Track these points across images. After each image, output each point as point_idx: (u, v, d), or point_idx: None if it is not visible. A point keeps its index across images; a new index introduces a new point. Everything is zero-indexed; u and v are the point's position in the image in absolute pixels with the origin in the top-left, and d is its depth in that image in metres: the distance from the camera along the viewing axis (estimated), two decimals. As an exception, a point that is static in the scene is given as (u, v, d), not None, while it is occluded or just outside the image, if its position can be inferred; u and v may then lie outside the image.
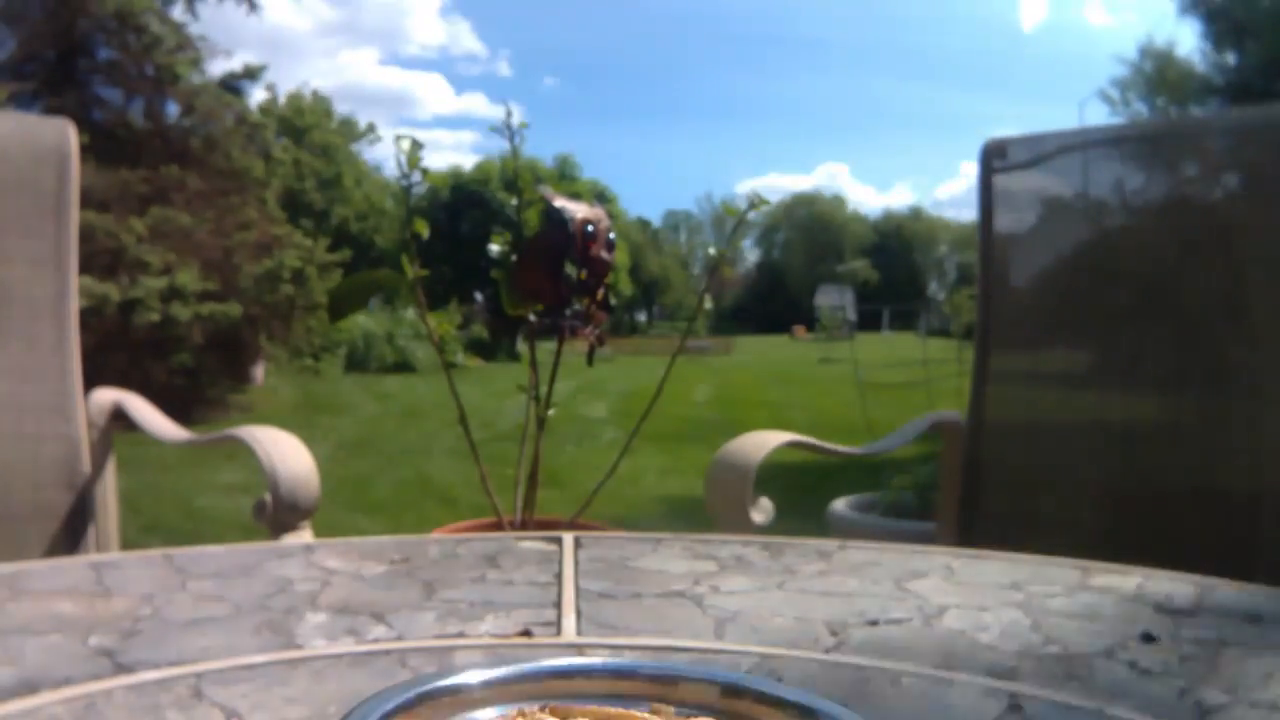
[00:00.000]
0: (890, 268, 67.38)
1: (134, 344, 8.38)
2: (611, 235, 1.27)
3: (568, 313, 1.27)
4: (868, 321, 41.51)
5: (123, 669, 0.61)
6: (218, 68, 11.24)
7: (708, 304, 1.47)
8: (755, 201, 1.40)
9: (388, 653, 0.66)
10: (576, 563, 0.90)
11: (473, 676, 0.47)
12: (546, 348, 1.37)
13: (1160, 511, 1.51)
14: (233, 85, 11.47)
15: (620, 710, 0.45)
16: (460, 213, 33.17)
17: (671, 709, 0.46)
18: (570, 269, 1.25)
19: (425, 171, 1.31)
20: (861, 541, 1.00)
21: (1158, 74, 13.56)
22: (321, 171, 26.93)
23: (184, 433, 1.57)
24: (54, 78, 9.97)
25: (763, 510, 1.44)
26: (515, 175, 1.37)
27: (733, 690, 0.48)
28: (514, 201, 1.34)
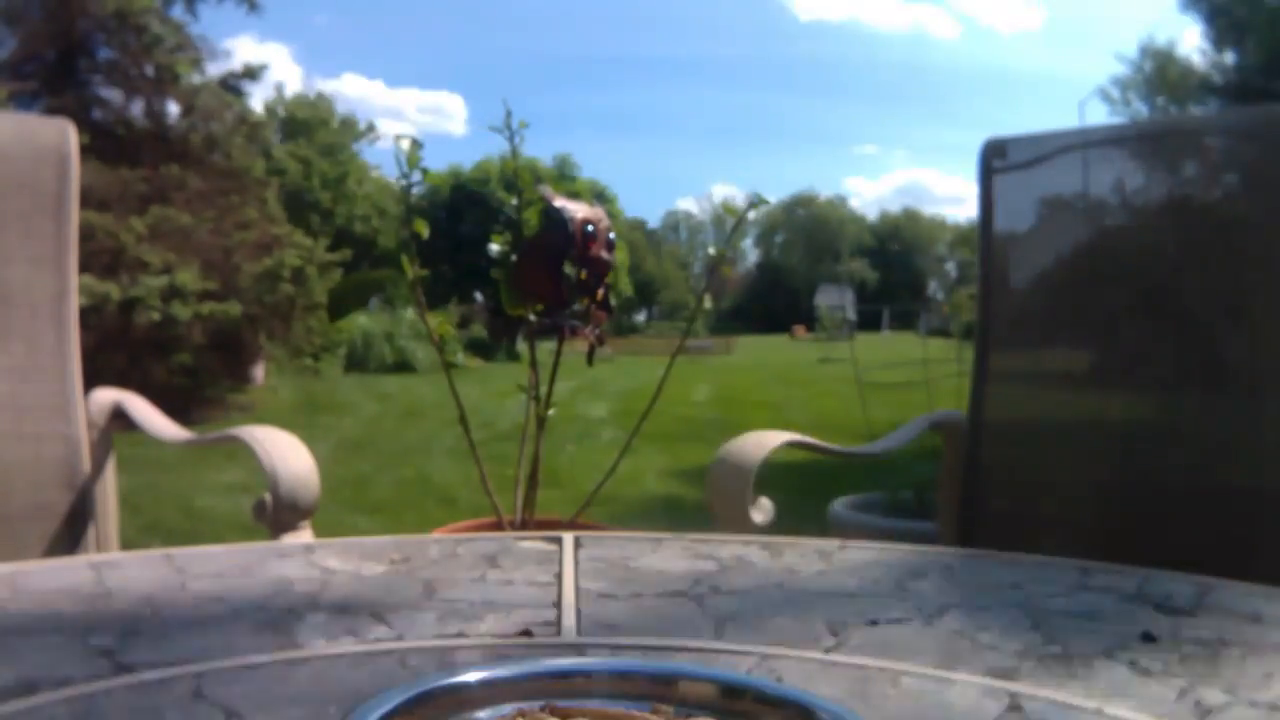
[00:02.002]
0: (890, 268, 67.44)
1: (134, 344, 8.37)
2: (611, 235, 1.27)
3: (567, 313, 1.27)
4: (868, 321, 41.52)
5: (123, 669, 0.61)
6: (218, 67, 11.22)
7: (707, 304, 1.47)
8: (756, 201, 1.40)
9: (388, 653, 0.66)
10: (576, 563, 0.90)
11: (473, 676, 0.47)
12: (546, 348, 1.37)
13: (1160, 511, 1.51)
14: (233, 85, 11.47)
15: (620, 710, 0.45)
16: (460, 213, 33.17)
17: (671, 709, 0.46)
18: (570, 269, 1.25)
19: (425, 171, 1.31)
20: (861, 541, 1.00)
21: (1158, 73, 13.56)
22: (327, 172, 26.96)
23: (184, 433, 1.57)
24: (54, 78, 9.96)
25: (763, 510, 1.44)
26: (515, 175, 1.37)
27: (733, 690, 0.48)
28: (514, 201, 1.34)
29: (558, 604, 0.77)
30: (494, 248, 1.31)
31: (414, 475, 6.13)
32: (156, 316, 8.49)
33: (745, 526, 1.41)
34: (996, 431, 1.66)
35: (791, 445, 1.56)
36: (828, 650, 0.68)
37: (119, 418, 1.55)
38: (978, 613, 0.77)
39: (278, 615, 0.73)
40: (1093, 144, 1.69)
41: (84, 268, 1.56)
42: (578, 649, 0.68)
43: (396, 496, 5.53)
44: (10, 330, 1.45)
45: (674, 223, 74.56)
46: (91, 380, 1.54)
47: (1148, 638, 0.71)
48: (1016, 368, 1.72)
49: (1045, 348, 1.74)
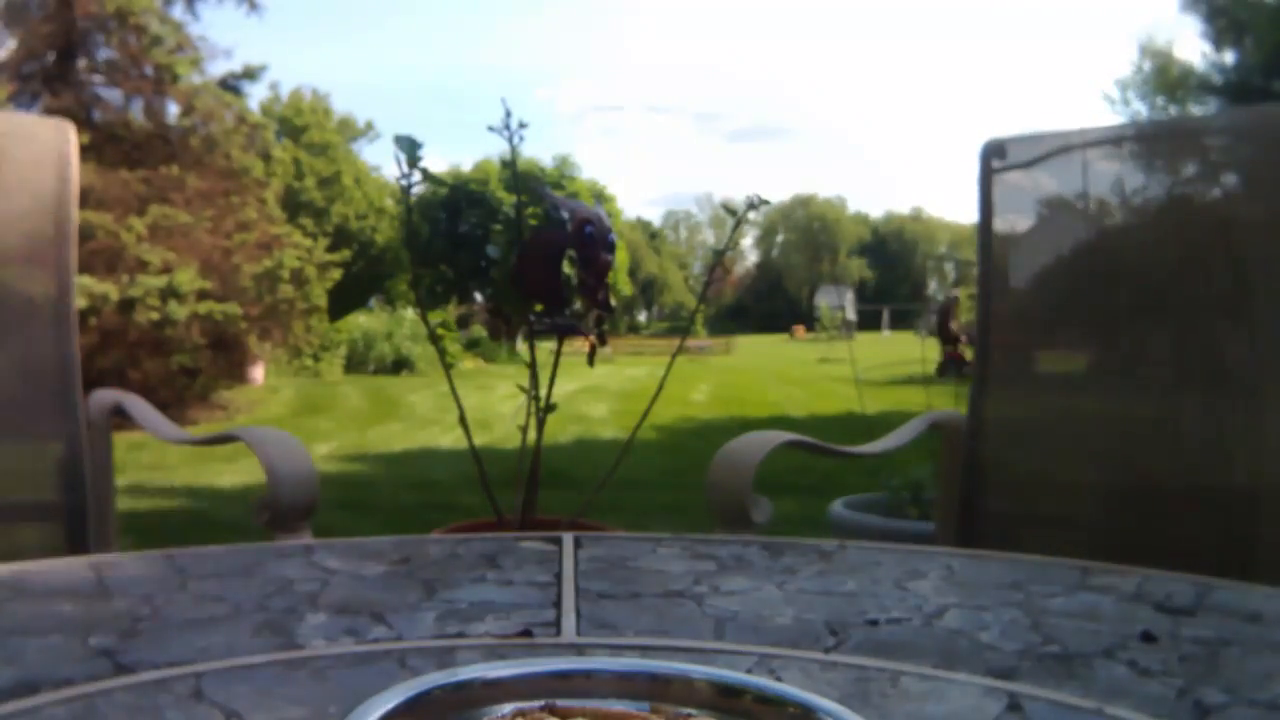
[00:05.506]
0: (889, 268, 67.49)
1: (133, 343, 8.37)
2: (612, 235, 1.27)
3: (568, 312, 1.28)
4: (867, 321, 41.49)
5: (123, 669, 0.61)
6: (218, 67, 11.21)
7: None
8: (756, 202, 1.40)
9: (388, 653, 0.66)
10: (576, 563, 0.90)
11: (472, 676, 0.47)
12: (546, 348, 1.37)
13: (1160, 511, 1.51)
14: (232, 85, 11.46)
15: (620, 710, 0.45)
16: (460, 213, 33.18)
17: (671, 709, 0.46)
18: (570, 269, 1.25)
19: (425, 171, 1.31)
20: (861, 541, 1.00)
21: (1158, 73, 13.56)
22: (321, 170, 26.89)
23: (184, 433, 1.57)
24: (54, 78, 9.96)
25: (762, 510, 1.44)
26: (515, 175, 1.37)
27: (733, 690, 0.48)
28: (514, 201, 1.34)
29: (558, 604, 0.77)
30: (493, 248, 1.31)
31: (414, 475, 6.13)
32: (155, 316, 8.48)
33: (745, 526, 1.41)
34: (996, 431, 1.66)
35: (791, 445, 1.56)
36: (828, 650, 0.68)
37: (119, 417, 1.55)
38: (978, 613, 0.77)
39: (278, 615, 0.73)
40: (1093, 144, 1.69)
41: (84, 268, 1.56)
42: (578, 649, 0.68)
43: (396, 496, 5.53)
44: (10, 330, 1.45)
45: (674, 223, 74.62)
46: (91, 380, 1.54)
47: (1148, 638, 0.71)
48: (1016, 368, 1.72)
49: (1045, 348, 1.74)
